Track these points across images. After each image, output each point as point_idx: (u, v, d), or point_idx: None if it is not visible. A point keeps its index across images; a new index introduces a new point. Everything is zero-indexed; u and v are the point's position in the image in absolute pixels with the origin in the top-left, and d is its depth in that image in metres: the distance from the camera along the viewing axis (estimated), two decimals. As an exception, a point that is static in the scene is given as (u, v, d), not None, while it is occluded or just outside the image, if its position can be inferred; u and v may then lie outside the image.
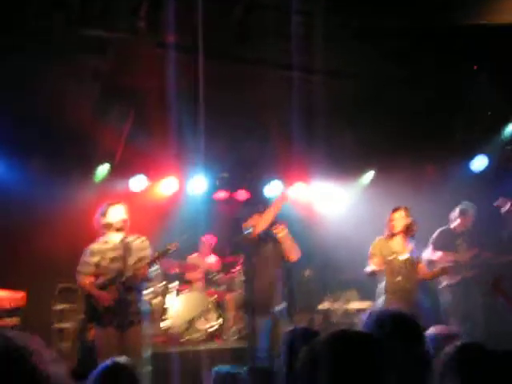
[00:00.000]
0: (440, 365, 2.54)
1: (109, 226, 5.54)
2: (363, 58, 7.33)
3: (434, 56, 7.29)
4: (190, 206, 9.46)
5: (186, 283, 9.04)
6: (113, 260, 5.47)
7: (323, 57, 6.85)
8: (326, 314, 8.87)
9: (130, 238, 5.48)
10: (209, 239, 9.53)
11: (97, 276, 5.49)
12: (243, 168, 9.29)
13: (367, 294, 8.45)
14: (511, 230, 7.67)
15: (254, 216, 6.36)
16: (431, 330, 3.33)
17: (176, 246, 5.55)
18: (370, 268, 6.24)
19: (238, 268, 9.03)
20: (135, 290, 5.42)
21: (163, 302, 8.49)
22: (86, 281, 5.49)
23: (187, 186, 9.64)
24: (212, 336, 8.33)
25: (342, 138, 8.78)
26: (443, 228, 7.56)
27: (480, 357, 2.45)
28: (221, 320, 8.44)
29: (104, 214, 5.56)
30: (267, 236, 6.24)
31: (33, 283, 7.73)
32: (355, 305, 8.95)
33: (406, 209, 6.28)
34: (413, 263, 6.05)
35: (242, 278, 8.89)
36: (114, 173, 9.07)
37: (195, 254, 9.54)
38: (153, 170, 9.23)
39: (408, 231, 6.23)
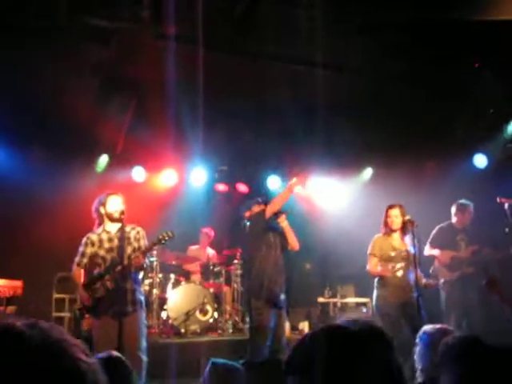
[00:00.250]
0: (438, 355, 2.56)
1: (107, 216, 5.55)
2: (365, 53, 7.32)
3: (436, 52, 7.27)
4: (189, 198, 9.47)
5: (183, 275, 9.05)
6: (109, 250, 5.48)
7: (325, 51, 6.84)
8: (324, 307, 8.90)
9: (127, 229, 5.47)
10: (208, 231, 9.54)
11: (93, 266, 5.50)
12: (242, 161, 9.29)
13: (364, 289, 8.48)
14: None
15: (254, 206, 6.35)
16: (427, 327, 3.35)
17: (169, 235, 5.53)
18: (372, 269, 6.29)
19: (235, 261, 9.05)
20: (131, 280, 5.41)
21: (161, 294, 8.50)
22: (78, 274, 5.51)
23: (187, 177, 9.64)
24: (209, 328, 8.35)
25: (343, 133, 8.77)
26: (442, 224, 7.56)
27: (477, 348, 2.47)
28: (217, 313, 8.45)
29: (103, 204, 5.56)
30: (268, 227, 6.23)
31: (31, 272, 7.74)
32: (352, 300, 8.99)
33: (401, 206, 6.30)
34: (414, 258, 6.05)
35: (240, 271, 8.92)
36: (115, 163, 9.07)
37: (196, 246, 9.56)
38: (153, 162, 9.23)
39: (405, 228, 6.25)
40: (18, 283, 7.20)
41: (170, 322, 8.18)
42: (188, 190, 9.68)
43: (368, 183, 9.93)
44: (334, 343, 1.73)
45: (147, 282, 8.57)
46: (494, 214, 6.84)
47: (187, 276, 9.12)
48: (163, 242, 5.58)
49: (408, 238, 6.25)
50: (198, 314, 8.23)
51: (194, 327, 8.17)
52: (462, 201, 7.55)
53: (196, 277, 9.12)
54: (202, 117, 7.56)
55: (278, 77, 7.57)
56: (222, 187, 10.00)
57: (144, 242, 5.58)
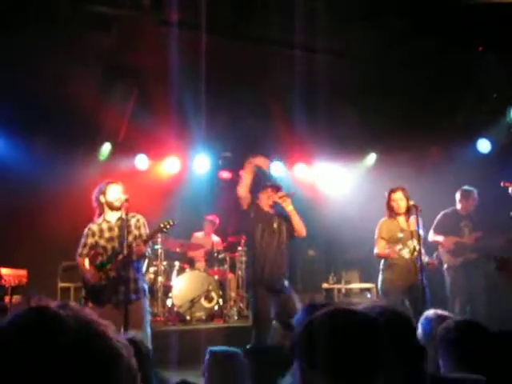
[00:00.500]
0: (437, 339, 2.58)
1: (107, 205, 5.55)
2: (367, 38, 7.27)
3: (438, 37, 7.22)
4: (193, 185, 9.47)
5: (188, 262, 9.07)
6: (109, 240, 5.50)
7: (327, 36, 6.80)
8: (328, 293, 8.91)
9: (127, 217, 5.47)
10: (213, 218, 9.55)
11: (95, 256, 5.51)
12: (246, 147, 9.27)
13: (368, 275, 8.49)
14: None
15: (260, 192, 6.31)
16: (429, 313, 3.35)
17: (171, 223, 5.54)
18: (380, 251, 6.29)
19: (240, 248, 9.06)
20: (133, 268, 5.42)
21: (166, 281, 8.53)
22: (82, 261, 5.53)
23: (190, 165, 9.64)
24: (214, 315, 8.38)
25: (346, 118, 8.74)
26: (447, 210, 7.55)
27: (475, 332, 2.48)
28: (222, 299, 8.48)
29: (103, 193, 5.56)
30: (275, 212, 6.19)
31: (36, 261, 7.77)
32: (357, 285, 9.00)
33: (403, 189, 6.31)
34: (418, 238, 6.05)
35: (245, 258, 8.93)
36: (118, 151, 9.06)
37: (201, 233, 9.58)
38: (156, 149, 9.22)
39: (409, 211, 6.26)
40: (23, 272, 7.22)
41: (176, 309, 8.21)
42: (191, 177, 9.67)
43: (371, 169, 9.91)
44: (338, 327, 1.73)
45: (152, 269, 8.60)
46: (499, 198, 6.82)
47: (192, 263, 9.14)
48: (165, 230, 5.59)
49: (412, 219, 6.26)
50: (203, 301, 8.25)
51: (199, 314, 8.20)
52: (466, 187, 7.53)
53: (200, 264, 9.14)
54: (205, 103, 7.53)
55: (280, 62, 7.54)
56: (225, 174, 9.98)
57: (144, 230, 5.58)
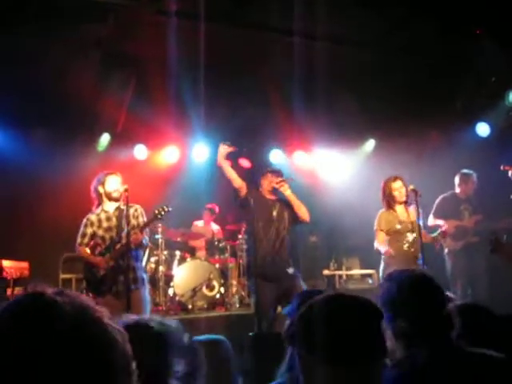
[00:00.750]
0: None
1: (105, 196, 5.58)
2: (366, 24, 7.24)
3: (437, 21, 7.19)
4: (192, 174, 9.46)
5: (189, 251, 9.09)
6: (107, 229, 5.55)
7: (326, 23, 6.76)
8: (330, 279, 8.92)
9: (124, 207, 5.49)
10: (212, 207, 9.55)
11: (94, 246, 5.55)
12: (245, 136, 9.24)
13: (369, 261, 8.50)
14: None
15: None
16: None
17: (165, 209, 5.56)
18: (380, 247, 6.30)
19: (240, 236, 9.07)
20: (132, 257, 5.44)
21: (167, 271, 8.54)
22: (83, 250, 5.55)
23: (189, 154, 9.63)
24: (216, 304, 8.40)
25: (345, 105, 8.72)
26: (446, 194, 7.55)
27: (477, 315, 2.49)
28: (224, 288, 8.49)
29: (102, 184, 5.58)
30: (276, 198, 6.13)
31: (37, 253, 7.78)
32: (357, 271, 9.02)
33: (401, 178, 6.31)
34: (418, 228, 6.05)
35: (245, 246, 8.94)
36: (117, 142, 9.05)
37: (200, 221, 9.58)
38: (155, 139, 9.21)
39: (408, 198, 6.26)
40: (25, 264, 7.23)
41: (177, 298, 8.23)
42: (190, 166, 9.66)
43: (371, 155, 9.90)
44: (337, 312, 1.74)
45: (153, 259, 8.62)
46: (498, 182, 6.82)
47: (192, 252, 9.16)
48: (159, 216, 5.62)
49: (412, 209, 6.26)
50: (204, 289, 8.27)
51: (201, 303, 8.22)
52: (465, 170, 7.54)
53: (201, 253, 9.16)
54: (204, 92, 7.51)
55: (278, 50, 7.51)
56: (225, 162, 9.96)
57: (142, 220, 5.62)
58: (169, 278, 8.45)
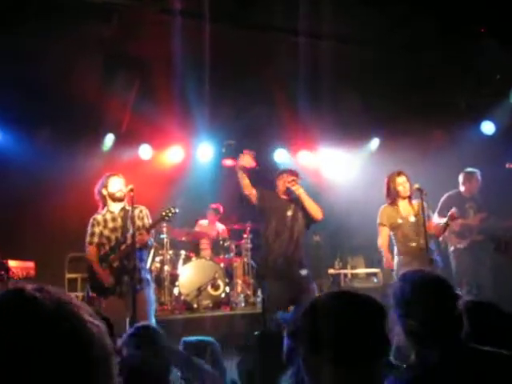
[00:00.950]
0: None
1: (109, 197, 5.61)
2: (370, 23, 7.24)
3: (440, 20, 7.18)
4: (197, 174, 9.48)
5: (194, 251, 9.09)
6: (113, 230, 5.58)
7: (330, 22, 6.76)
8: (335, 278, 8.92)
9: (129, 208, 5.51)
10: (217, 206, 9.56)
11: (100, 245, 5.57)
12: (249, 135, 9.25)
13: (374, 259, 8.50)
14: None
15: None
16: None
17: (172, 211, 5.58)
18: (383, 243, 6.31)
19: (245, 235, 9.08)
20: (137, 258, 5.46)
21: (172, 270, 8.55)
22: (93, 252, 5.57)
23: (194, 153, 9.64)
24: (221, 303, 8.41)
25: (350, 104, 8.72)
26: (451, 192, 7.54)
27: (486, 313, 2.49)
28: (229, 287, 8.50)
29: (105, 186, 5.63)
30: (291, 199, 6.08)
31: (43, 253, 7.81)
32: (362, 270, 9.01)
33: (405, 173, 6.31)
34: (423, 222, 6.04)
35: (250, 245, 8.95)
36: (121, 142, 9.07)
37: (205, 221, 9.59)
38: (159, 139, 9.22)
39: (411, 194, 6.26)
40: (31, 264, 7.27)
41: (182, 297, 8.23)
42: (195, 166, 9.68)
43: (375, 154, 9.89)
44: (341, 309, 1.75)
45: (158, 259, 8.63)
46: (503, 180, 6.82)
47: (197, 252, 9.16)
48: (167, 218, 5.64)
49: (416, 204, 6.25)
50: (209, 289, 8.28)
51: (206, 302, 8.23)
52: (469, 169, 7.53)
53: (206, 252, 9.16)
54: (208, 92, 7.52)
55: (283, 50, 7.51)
56: (229, 162, 9.96)
57: (147, 221, 5.64)
58: (174, 278, 8.46)
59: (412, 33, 7.43)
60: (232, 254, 9.00)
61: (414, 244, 6.12)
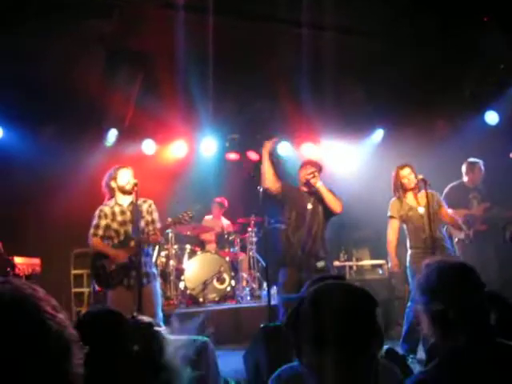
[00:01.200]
0: None
1: (119, 189, 5.57)
2: (373, 14, 7.21)
3: (444, 9, 7.15)
4: (200, 168, 9.48)
5: (199, 245, 9.12)
6: (122, 223, 5.52)
7: (333, 13, 6.74)
8: (340, 271, 8.92)
9: (138, 202, 5.49)
10: (221, 200, 9.57)
11: (106, 238, 5.53)
12: (253, 129, 9.24)
13: (379, 251, 8.50)
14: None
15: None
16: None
17: (189, 215, 5.60)
18: (393, 235, 6.30)
19: (250, 229, 9.09)
20: (143, 253, 5.46)
21: (178, 264, 8.57)
22: (97, 243, 5.54)
23: (198, 148, 9.64)
24: (227, 296, 8.43)
25: (353, 95, 8.70)
26: (454, 183, 7.53)
27: (493, 303, 2.50)
28: (235, 280, 8.52)
29: (114, 178, 5.57)
30: (311, 191, 6.01)
31: (49, 249, 7.84)
32: (368, 262, 9.02)
33: (410, 165, 6.30)
34: (434, 212, 6.03)
35: (255, 239, 8.96)
36: (125, 137, 9.07)
37: (210, 216, 9.60)
38: (163, 133, 9.22)
39: (417, 186, 6.25)
40: (36, 261, 7.30)
41: (188, 292, 8.26)
42: (199, 160, 9.67)
43: (379, 145, 9.86)
44: (322, 302, 1.77)
45: (163, 253, 8.65)
46: (507, 170, 6.81)
47: (203, 246, 9.18)
48: (183, 221, 5.67)
49: (422, 196, 6.24)
50: (215, 282, 8.30)
51: (211, 296, 8.26)
52: (472, 159, 7.52)
53: (211, 246, 9.18)
54: (212, 85, 7.52)
55: (286, 42, 7.50)
56: (232, 156, 9.98)
57: (156, 215, 5.62)
58: (179, 272, 8.48)
59: (416, 23, 7.40)
60: (237, 248, 9.02)
61: (425, 235, 6.10)
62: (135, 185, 5.42)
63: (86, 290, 8.44)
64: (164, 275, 8.33)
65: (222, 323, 7.49)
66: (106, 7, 6.73)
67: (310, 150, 10.04)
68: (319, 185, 5.93)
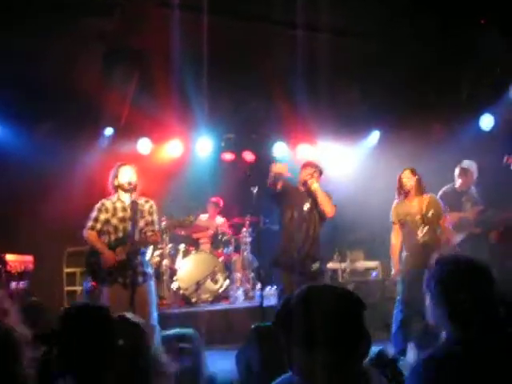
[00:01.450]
0: None
1: (119, 187, 5.55)
2: (369, 15, 7.22)
3: (441, 11, 7.16)
4: (196, 168, 9.47)
5: (193, 245, 9.09)
6: (122, 220, 5.48)
7: (328, 14, 6.74)
8: (334, 273, 8.93)
9: (141, 201, 5.49)
10: (216, 200, 9.55)
11: (103, 234, 5.50)
12: (248, 129, 9.24)
13: (373, 253, 8.50)
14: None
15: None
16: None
17: (191, 220, 5.61)
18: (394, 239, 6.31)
19: (244, 229, 9.07)
20: (140, 253, 5.45)
21: (171, 264, 8.54)
22: (93, 237, 5.48)
23: (193, 147, 9.63)
24: (220, 297, 8.41)
25: (349, 97, 8.70)
26: (446, 187, 7.52)
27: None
28: (229, 281, 8.51)
29: (116, 176, 5.56)
30: (307, 192, 6.00)
31: (42, 247, 7.81)
32: (362, 264, 9.02)
33: (411, 169, 6.30)
34: (431, 220, 6.04)
35: (249, 239, 8.94)
36: (120, 135, 9.05)
37: (205, 215, 9.57)
38: (158, 132, 9.21)
39: (418, 189, 6.25)
40: (29, 258, 7.27)
41: (181, 292, 8.23)
42: (194, 160, 9.66)
43: (375, 147, 9.87)
44: (308, 304, 1.78)
45: (157, 253, 8.61)
46: (502, 173, 6.81)
47: (197, 245, 9.15)
48: (184, 225, 5.67)
49: (421, 200, 6.25)
50: (208, 282, 8.28)
51: (205, 296, 8.23)
52: (464, 162, 7.52)
53: (206, 246, 9.15)
54: (207, 85, 7.51)
55: (281, 42, 7.50)
56: (228, 155, 9.97)
57: (156, 217, 5.61)
58: (173, 272, 8.46)
59: (412, 25, 7.41)
60: (231, 248, 9.00)
61: (416, 240, 6.11)
62: (133, 183, 5.42)
63: (78, 288, 8.41)
64: (157, 275, 8.30)
65: (215, 323, 7.48)
66: (108, 6, 6.72)
67: (306, 151, 10.02)
68: (315, 186, 5.92)
